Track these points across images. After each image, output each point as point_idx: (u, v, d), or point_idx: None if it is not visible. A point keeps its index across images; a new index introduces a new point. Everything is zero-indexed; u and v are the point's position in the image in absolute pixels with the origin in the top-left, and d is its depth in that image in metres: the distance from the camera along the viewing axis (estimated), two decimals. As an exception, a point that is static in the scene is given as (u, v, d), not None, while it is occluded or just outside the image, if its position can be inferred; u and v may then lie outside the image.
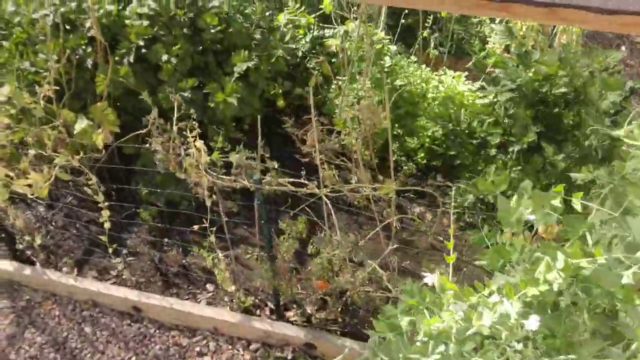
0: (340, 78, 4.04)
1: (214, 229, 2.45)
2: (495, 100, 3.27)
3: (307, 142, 3.34)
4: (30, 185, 2.17)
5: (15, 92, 2.59)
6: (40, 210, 3.22)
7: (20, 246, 2.87)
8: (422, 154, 3.63)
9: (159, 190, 3.10)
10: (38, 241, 2.80)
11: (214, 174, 2.28)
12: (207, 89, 3.18)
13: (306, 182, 2.39)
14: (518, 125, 2.86)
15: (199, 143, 2.24)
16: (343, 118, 3.72)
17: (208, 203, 2.22)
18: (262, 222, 2.28)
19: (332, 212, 2.39)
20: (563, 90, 2.79)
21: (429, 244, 3.17)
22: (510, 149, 2.88)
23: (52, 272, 2.78)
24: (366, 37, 3.41)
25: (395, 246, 2.79)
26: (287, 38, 3.34)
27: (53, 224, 3.20)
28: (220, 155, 2.46)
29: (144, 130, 2.51)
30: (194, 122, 2.29)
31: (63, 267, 2.94)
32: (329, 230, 2.51)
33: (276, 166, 2.45)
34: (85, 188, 2.45)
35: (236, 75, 3.23)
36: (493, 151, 3.28)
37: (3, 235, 2.83)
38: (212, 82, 3.27)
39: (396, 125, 3.70)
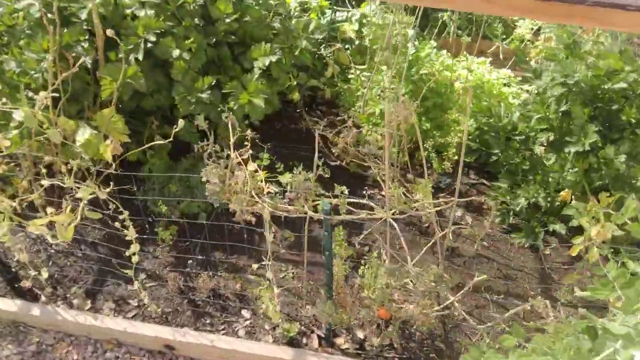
0: (358, 67, 3.71)
1: (269, 259, 2.13)
2: (537, 94, 3.03)
3: (338, 145, 3.03)
4: (50, 224, 1.78)
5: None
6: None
7: (25, 283, 2.46)
8: (454, 150, 3.37)
9: (171, 199, 2.73)
10: (45, 275, 2.40)
11: (269, 201, 1.94)
12: (226, 88, 2.80)
13: (369, 203, 2.10)
14: (575, 125, 2.64)
15: (253, 166, 1.89)
16: (367, 112, 3.43)
17: (269, 237, 1.89)
18: (327, 253, 1.99)
19: (401, 236, 2.12)
20: (623, 85, 2.58)
21: (474, 249, 2.95)
22: (567, 150, 2.67)
23: (65, 310, 2.40)
24: (397, 23, 3.08)
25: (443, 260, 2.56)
26: (311, 27, 2.97)
27: (54, 246, 2.80)
28: (266, 174, 2.13)
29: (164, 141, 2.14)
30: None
31: (73, 298, 2.56)
32: (387, 252, 2.24)
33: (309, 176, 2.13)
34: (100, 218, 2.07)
35: (257, 71, 2.85)
36: (537, 148, 3.07)
37: (1, 269, 2.42)
38: (230, 79, 2.89)
39: (423, 119, 3.43)
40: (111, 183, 2.02)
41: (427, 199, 3.05)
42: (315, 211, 2.06)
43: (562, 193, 2.86)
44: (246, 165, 1.90)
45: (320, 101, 3.88)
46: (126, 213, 1.98)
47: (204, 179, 1.90)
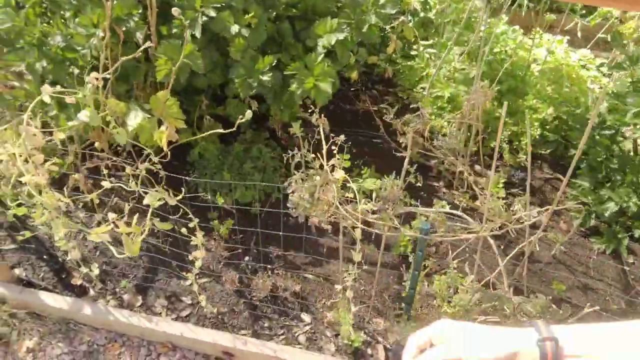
0: (423, 43, 3.38)
1: (354, 276, 1.91)
2: (632, 82, 2.70)
3: (407, 135, 2.75)
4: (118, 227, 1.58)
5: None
6: (81, 218, 2.63)
7: (76, 280, 2.31)
8: (527, 140, 3.08)
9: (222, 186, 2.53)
10: (96, 271, 2.24)
11: (352, 212, 1.71)
12: (288, 69, 2.52)
13: (461, 214, 1.86)
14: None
15: (340, 174, 1.65)
16: (433, 95, 3.13)
17: (358, 256, 1.66)
18: (416, 272, 1.77)
19: (498, 255, 1.88)
20: None
21: (551, 254, 2.71)
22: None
23: (118, 310, 2.25)
24: None
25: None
26: (382, 0, 2.64)
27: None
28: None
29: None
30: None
31: (122, 293, 2.41)
32: (474, 270, 2.01)
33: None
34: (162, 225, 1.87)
35: (322, 50, 2.57)
36: (625, 145, 2.77)
37: (54, 266, 2.27)
38: (291, 59, 2.61)
39: (495, 104, 3.12)
40: (183, 189, 1.80)
41: (499, 194, 2.79)
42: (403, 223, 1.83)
43: (655, 197, 2.58)
44: (331, 172, 1.66)
45: (376, 79, 3.58)
46: (195, 221, 1.78)
47: (289, 191, 1.66)
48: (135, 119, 2.39)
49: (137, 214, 1.64)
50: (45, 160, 1.95)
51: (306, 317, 2.41)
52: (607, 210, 2.56)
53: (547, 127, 3.01)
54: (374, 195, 1.77)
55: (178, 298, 2.44)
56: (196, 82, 2.72)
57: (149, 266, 2.51)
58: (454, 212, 1.92)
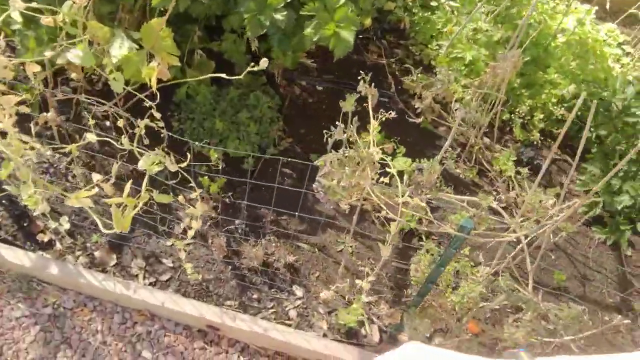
0: (446, -4, 3.05)
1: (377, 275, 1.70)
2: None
3: (424, 102, 2.49)
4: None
5: None
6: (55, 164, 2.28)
7: (43, 236, 1.99)
8: (541, 116, 2.90)
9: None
10: (65, 225, 1.94)
11: (390, 201, 1.46)
12: (304, 9, 2.16)
13: (499, 209, 1.66)
14: None
15: (378, 153, 1.38)
16: (452, 56, 2.85)
17: (387, 250, 1.42)
18: (441, 268, 1.58)
19: (528, 258, 1.71)
20: None
21: (553, 242, 2.60)
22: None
23: (90, 272, 1.98)
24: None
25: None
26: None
27: (70, 179, 2.30)
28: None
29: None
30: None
31: (94, 249, 2.13)
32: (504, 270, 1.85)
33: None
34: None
35: (343, -9, 2.21)
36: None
37: (14, 212, 1.94)
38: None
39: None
40: (188, 154, 1.50)
41: (508, 172, 2.63)
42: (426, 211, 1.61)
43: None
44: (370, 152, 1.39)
45: (386, 28, 3.24)
46: (198, 191, 1.49)
47: (320, 173, 1.39)
48: (121, 48, 1.99)
49: (126, 176, 1.34)
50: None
51: (298, 291, 2.22)
52: (620, 202, 2.45)
53: (565, 104, 2.82)
54: (405, 177, 1.53)
55: (158, 259, 2.18)
56: (192, 10, 2.33)
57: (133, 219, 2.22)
58: (495, 207, 1.72)
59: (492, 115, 2.61)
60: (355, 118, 1.36)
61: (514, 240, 1.78)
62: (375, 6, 2.81)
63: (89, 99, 2.23)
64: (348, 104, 1.33)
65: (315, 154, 2.59)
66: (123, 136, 1.37)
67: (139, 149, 1.33)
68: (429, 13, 3.01)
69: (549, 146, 2.93)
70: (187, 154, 1.39)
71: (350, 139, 1.36)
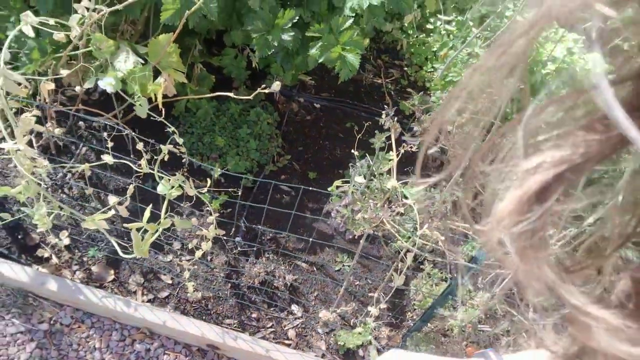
0: (443, 18, 3.11)
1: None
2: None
3: (424, 125, 2.55)
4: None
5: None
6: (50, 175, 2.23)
7: (43, 252, 1.95)
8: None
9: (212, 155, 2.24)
10: (65, 241, 1.90)
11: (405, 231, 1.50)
12: (310, 30, 2.19)
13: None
14: None
15: (393, 183, 1.41)
16: (447, 79, 2.91)
17: (399, 281, 1.46)
18: (450, 296, 1.61)
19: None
20: None
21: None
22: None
23: (89, 288, 1.94)
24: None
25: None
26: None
27: (65, 191, 2.26)
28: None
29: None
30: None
31: (91, 264, 2.09)
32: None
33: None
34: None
35: (350, 13, 2.25)
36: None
37: (7, 223, 1.90)
38: (311, 17, 2.27)
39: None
40: (209, 179, 1.49)
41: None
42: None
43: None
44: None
45: (382, 48, 3.29)
46: (214, 215, 1.49)
47: (342, 203, 1.40)
48: (126, 63, 1.98)
49: (137, 196, 1.33)
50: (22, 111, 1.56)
51: (297, 310, 2.23)
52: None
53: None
54: (415, 206, 1.57)
55: (156, 275, 2.16)
56: (198, 25, 2.32)
57: (124, 230, 2.19)
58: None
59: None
60: (383, 153, 1.39)
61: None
62: (373, 27, 2.86)
63: (86, 110, 2.21)
64: (378, 141, 1.35)
65: (313, 172, 2.61)
66: (143, 159, 1.36)
67: (160, 174, 1.32)
68: (425, 35, 3.07)
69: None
70: (208, 179, 1.38)
71: (375, 172, 1.39)
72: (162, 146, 1.33)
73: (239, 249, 2.27)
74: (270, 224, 2.36)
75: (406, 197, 1.34)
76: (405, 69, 3.17)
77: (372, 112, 2.85)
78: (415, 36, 3.10)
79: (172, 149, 1.36)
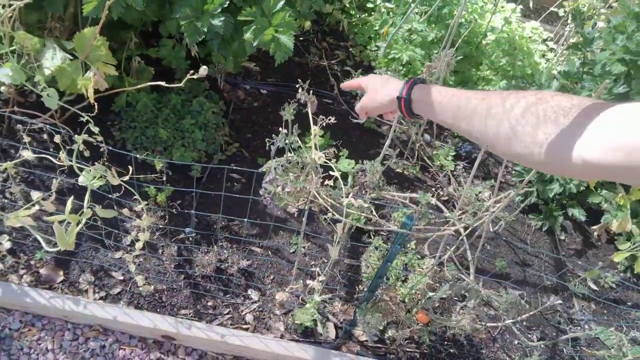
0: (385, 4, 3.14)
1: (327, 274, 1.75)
2: (582, 63, 2.71)
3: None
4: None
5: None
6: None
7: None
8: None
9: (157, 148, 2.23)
10: (6, 245, 1.87)
11: (335, 203, 1.51)
12: (242, 14, 2.18)
13: (440, 205, 1.75)
14: None
15: (320, 157, 1.43)
16: (390, 57, 2.94)
17: (335, 251, 1.48)
18: (388, 263, 1.65)
19: (468, 249, 1.81)
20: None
21: (493, 231, 2.75)
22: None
23: (36, 290, 1.92)
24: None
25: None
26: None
27: (7, 193, 2.22)
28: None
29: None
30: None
31: (39, 267, 2.06)
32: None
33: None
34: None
35: (282, -5, 2.25)
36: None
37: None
38: (243, 1, 2.26)
39: (448, 73, 3.02)
40: (130, 167, 1.48)
41: (448, 167, 2.75)
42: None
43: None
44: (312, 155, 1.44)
45: (326, 30, 3.30)
46: (143, 203, 1.48)
47: (266, 179, 1.41)
48: (53, 59, 1.96)
49: (67, 191, 1.32)
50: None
51: (254, 295, 2.24)
52: (551, 191, 2.62)
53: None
54: (349, 179, 1.59)
55: (107, 273, 2.14)
56: (126, 17, 2.29)
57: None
58: (434, 202, 1.81)
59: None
60: (296, 126, 1.40)
61: (455, 233, 1.87)
62: (313, 9, 2.86)
63: (22, 112, 2.16)
64: (287, 113, 1.36)
65: (263, 158, 2.61)
66: (61, 152, 1.35)
67: (78, 165, 1.31)
68: (366, 15, 3.09)
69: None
70: (129, 166, 1.38)
71: (293, 145, 1.40)
72: (76, 136, 1.31)
73: (190, 239, 2.27)
74: (222, 212, 2.36)
75: (332, 170, 1.36)
76: (350, 49, 3.19)
77: (318, 94, 2.86)
78: (357, 16, 3.12)
79: (88, 139, 1.34)
